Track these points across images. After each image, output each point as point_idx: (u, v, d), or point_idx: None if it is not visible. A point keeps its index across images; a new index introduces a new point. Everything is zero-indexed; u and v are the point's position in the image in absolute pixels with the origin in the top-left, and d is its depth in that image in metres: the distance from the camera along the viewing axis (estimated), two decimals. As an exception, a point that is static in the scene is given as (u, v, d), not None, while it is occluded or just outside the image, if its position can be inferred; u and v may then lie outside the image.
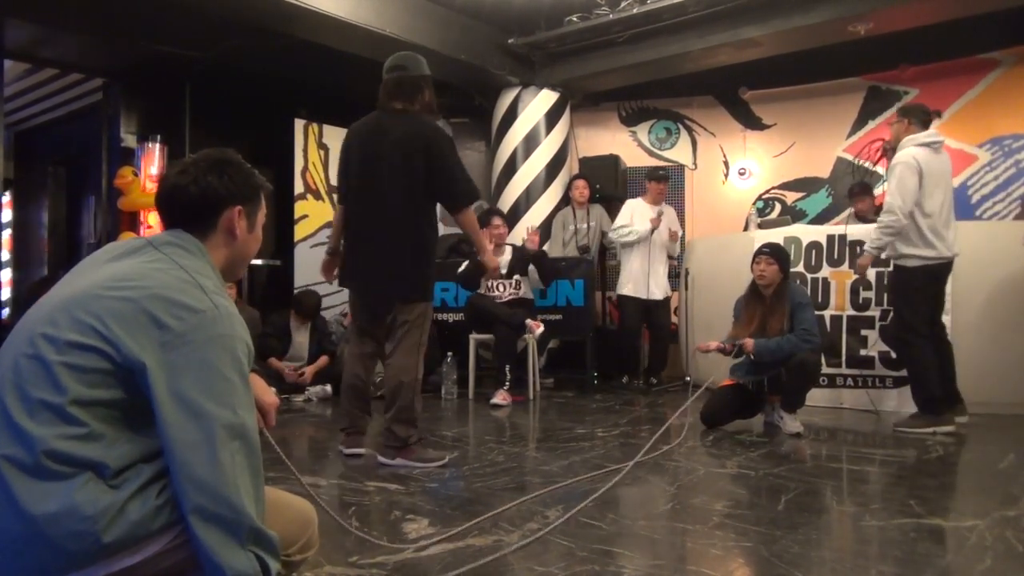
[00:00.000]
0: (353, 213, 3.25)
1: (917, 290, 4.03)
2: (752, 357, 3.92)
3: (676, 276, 6.28)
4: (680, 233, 6.05)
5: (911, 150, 4.00)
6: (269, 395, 1.50)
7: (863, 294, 4.79)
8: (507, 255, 5.53)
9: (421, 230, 3.15)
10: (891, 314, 4.25)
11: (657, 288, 5.87)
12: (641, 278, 5.85)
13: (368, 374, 3.37)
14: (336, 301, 6.44)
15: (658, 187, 5.92)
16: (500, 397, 4.95)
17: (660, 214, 5.79)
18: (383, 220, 3.12)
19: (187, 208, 1.33)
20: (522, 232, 6.47)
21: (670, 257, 6.15)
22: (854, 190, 5.91)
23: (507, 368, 5.06)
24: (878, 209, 5.71)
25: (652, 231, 5.77)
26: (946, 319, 4.49)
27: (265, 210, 1.46)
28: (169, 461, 1.11)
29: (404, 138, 3.11)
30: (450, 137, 3.31)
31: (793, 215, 6.52)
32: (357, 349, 3.34)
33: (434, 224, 3.24)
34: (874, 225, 4.26)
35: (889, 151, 4.30)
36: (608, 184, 6.56)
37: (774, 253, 4.06)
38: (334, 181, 6.73)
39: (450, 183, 3.12)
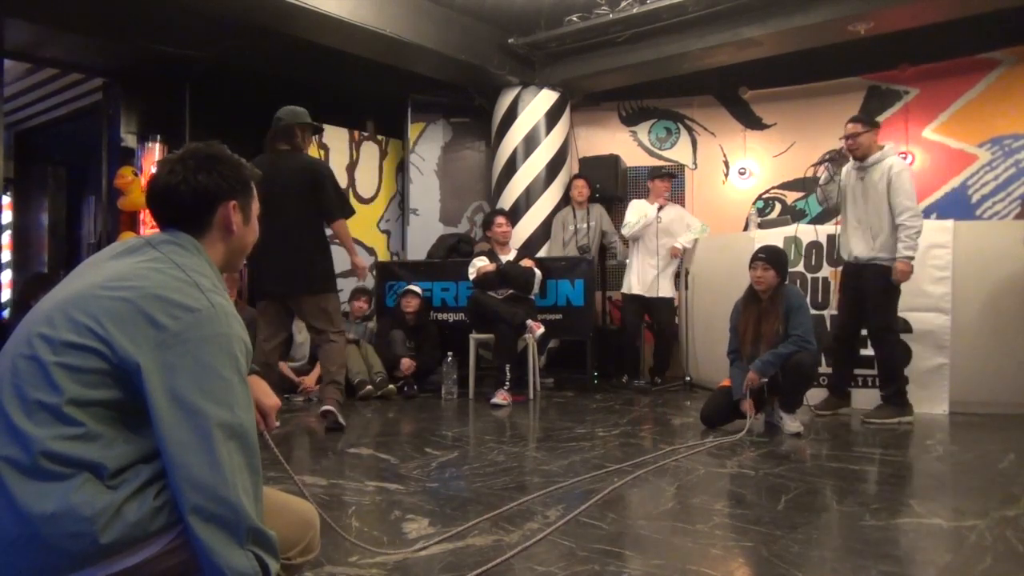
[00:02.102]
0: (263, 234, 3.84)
1: (896, 289, 4.26)
2: (759, 382, 3.93)
3: (677, 276, 6.28)
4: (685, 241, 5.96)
5: (898, 158, 4.38)
6: (270, 397, 1.50)
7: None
8: (512, 255, 5.55)
9: (318, 237, 4.14)
10: (872, 313, 4.33)
11: (661, 285, 5.87)
12: (644, 276, 5.86)
13: None
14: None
15: (662, 185, 5.93)
16: (500, 397, 4.95)
17: (659, 208, 5.84)
18: (290, 235, 4.00)
19: (180, 208, 1.32)
20: (526, 231, 6.49)
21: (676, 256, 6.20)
22: None
23: (507, 368, 5.07)
24: None
25: (655, 218, 5.81)
26: (946, 319, 4.52)
27: (257, 200, 1.44)
28: (166, 461, 1.11)
29: (300, 170, 4.09)
30: (328, 167, 4.43)
31: (793, 215, 6.51)
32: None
33: (324, 231, 4.19)
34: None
35: (837, 159, 4.45)
36: (608, 184, 6.56)
37: (770, 259, 4.04)
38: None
39: (330, 201, 4.11)
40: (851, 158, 4.39)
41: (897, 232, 4.18)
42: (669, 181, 6.02)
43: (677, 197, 7.04)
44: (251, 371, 1.31)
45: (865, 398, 4.72)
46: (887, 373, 4.38)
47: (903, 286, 4.26)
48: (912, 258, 4.15)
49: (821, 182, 4.56)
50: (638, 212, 5.90)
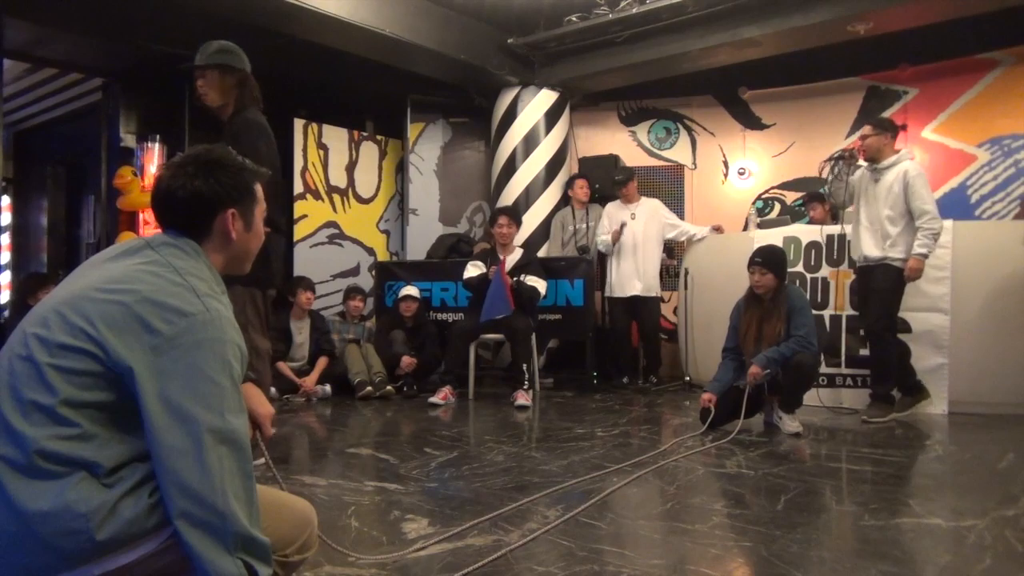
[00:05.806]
0: None
1: (901, 289, 4.30)
2: (762, 375, 3.91)
3: (675, 276, 6.28)
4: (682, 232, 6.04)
5: (913, 163, 4.37)
6: (264, 406, 1.49)
7: (863, 294, 4.80)
8: (516, 255, 5.42)
9: None
10: (876, 310, 4.33)
11: (640, 285, 5.86)
12: (623, 277, 5.88)
13: None
14: (334, 301, 6.44)
15: (624, 191, 5.98)
16: (523, 398, 4.89)
17: (623, 224, 5.85)
18: None
19: (179, 214, 1.32)
20: (525, 230, 6.47)
21: (667, 255, 6.18)
22: (807, 199, 6.06)
23: (524, 367, 5.03)
24: (832, 216, 5.84)
25: (614, 240, 5.86)
26: (946, 319, 4.53)
27: (264, 204, 1.43)
28: (156, 466, 1.11)
29: None
30: None
31: (792, 215, 6.51)
32: None
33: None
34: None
35: (851, 161, 4.47)
36: (608, 184, 6.53)
37: (766, 262, 4.04)
38: (334, 181, 6.76)
39: None
40: (863, 160, 4.42)
41: (916, 233, 4.21)
42: (626, 185, 5.99)
43: (677, 197, 7.05)
44: (246, 378, 1.31)
45: (859, 397, 4.73)
46: (882, 372, 4.39)
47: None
48: (926, 256, 4.19)
49: (828, 181, 4.60)
50: (604, 222, 5.98)
